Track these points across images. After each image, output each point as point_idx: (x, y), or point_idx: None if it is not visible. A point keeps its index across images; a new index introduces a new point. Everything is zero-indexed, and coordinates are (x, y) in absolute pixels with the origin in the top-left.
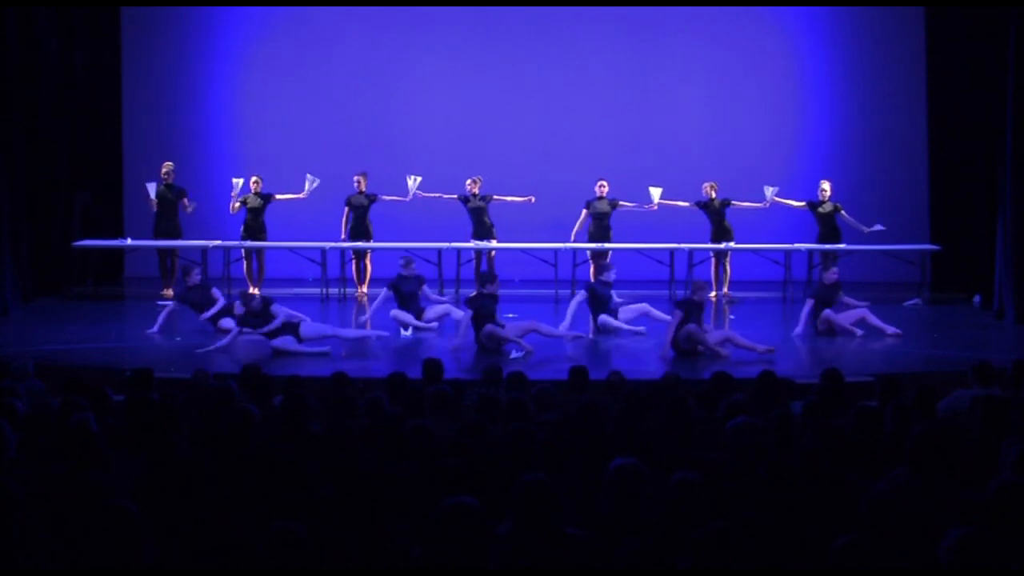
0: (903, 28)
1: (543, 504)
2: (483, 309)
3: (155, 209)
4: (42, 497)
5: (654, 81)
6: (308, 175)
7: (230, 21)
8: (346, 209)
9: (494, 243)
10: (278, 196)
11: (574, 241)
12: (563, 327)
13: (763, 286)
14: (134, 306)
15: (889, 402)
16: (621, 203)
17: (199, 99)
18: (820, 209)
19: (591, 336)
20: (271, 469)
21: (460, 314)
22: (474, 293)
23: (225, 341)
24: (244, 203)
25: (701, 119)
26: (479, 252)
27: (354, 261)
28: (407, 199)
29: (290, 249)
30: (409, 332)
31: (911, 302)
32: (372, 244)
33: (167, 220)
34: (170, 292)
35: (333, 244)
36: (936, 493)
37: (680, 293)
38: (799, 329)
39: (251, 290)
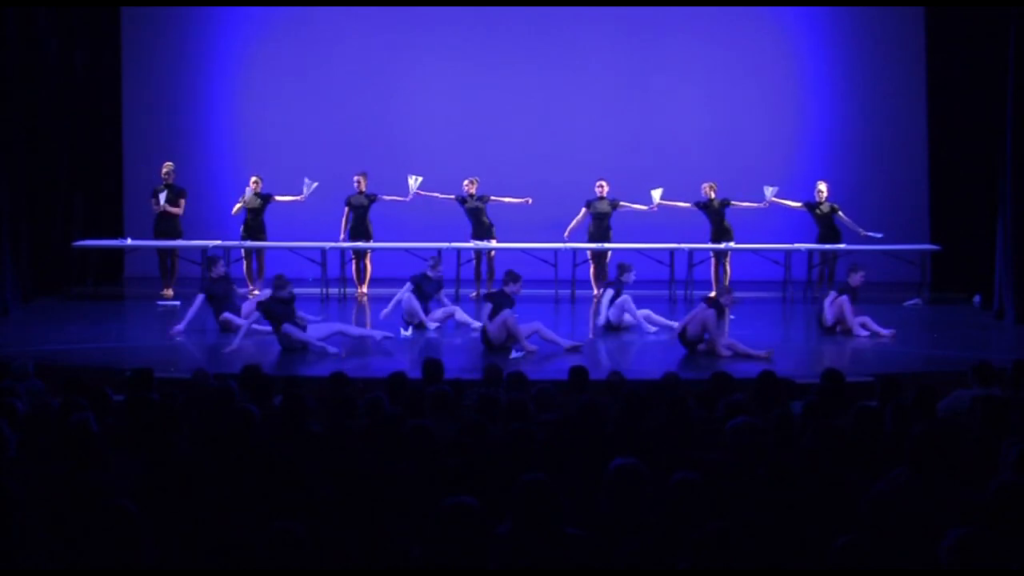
0: (903, 28)
1: (543, 504)
2: (503, 305)
3: (157, 212)
4: (42, 497)
5: (654, 81)
6: (307, 179)
7: (230, 21)
8: (346, 209)
9: (494, 243)
10: (277, 197)
11: (567, 238)
12: (592, 325)
13: (763, 286)
14: (134, 306)
15: (889, 402)
16: (622, 203)
17: (199, 99)
18: (818, 210)
19: (591, 336)
20: (271, 469)
21: (465, 316)
22: (497, 289)
23: (243, 332)
24: (243, 203)
25: (701, 119)
26: (479, 252)
27: (354, 261)
28: (407, 199)
29: (290, 249)
30: (409, 332)
31: (911, 302)
32: (372, 244)
33: (167, 220)
34: (170, 292)
35: (333, 244)
36: (936, 493)
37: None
38: (856, 329)
39: (253, 291)
